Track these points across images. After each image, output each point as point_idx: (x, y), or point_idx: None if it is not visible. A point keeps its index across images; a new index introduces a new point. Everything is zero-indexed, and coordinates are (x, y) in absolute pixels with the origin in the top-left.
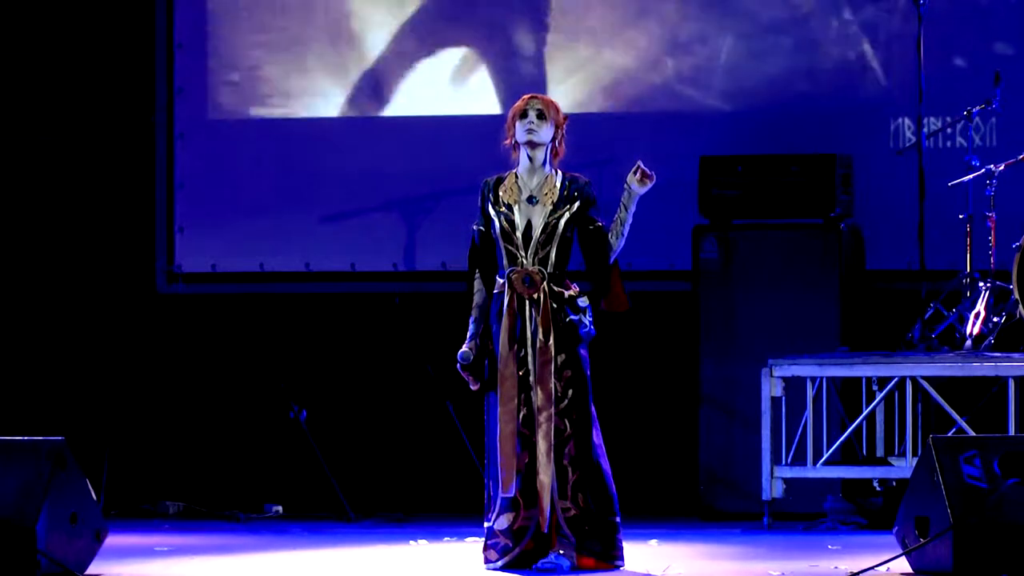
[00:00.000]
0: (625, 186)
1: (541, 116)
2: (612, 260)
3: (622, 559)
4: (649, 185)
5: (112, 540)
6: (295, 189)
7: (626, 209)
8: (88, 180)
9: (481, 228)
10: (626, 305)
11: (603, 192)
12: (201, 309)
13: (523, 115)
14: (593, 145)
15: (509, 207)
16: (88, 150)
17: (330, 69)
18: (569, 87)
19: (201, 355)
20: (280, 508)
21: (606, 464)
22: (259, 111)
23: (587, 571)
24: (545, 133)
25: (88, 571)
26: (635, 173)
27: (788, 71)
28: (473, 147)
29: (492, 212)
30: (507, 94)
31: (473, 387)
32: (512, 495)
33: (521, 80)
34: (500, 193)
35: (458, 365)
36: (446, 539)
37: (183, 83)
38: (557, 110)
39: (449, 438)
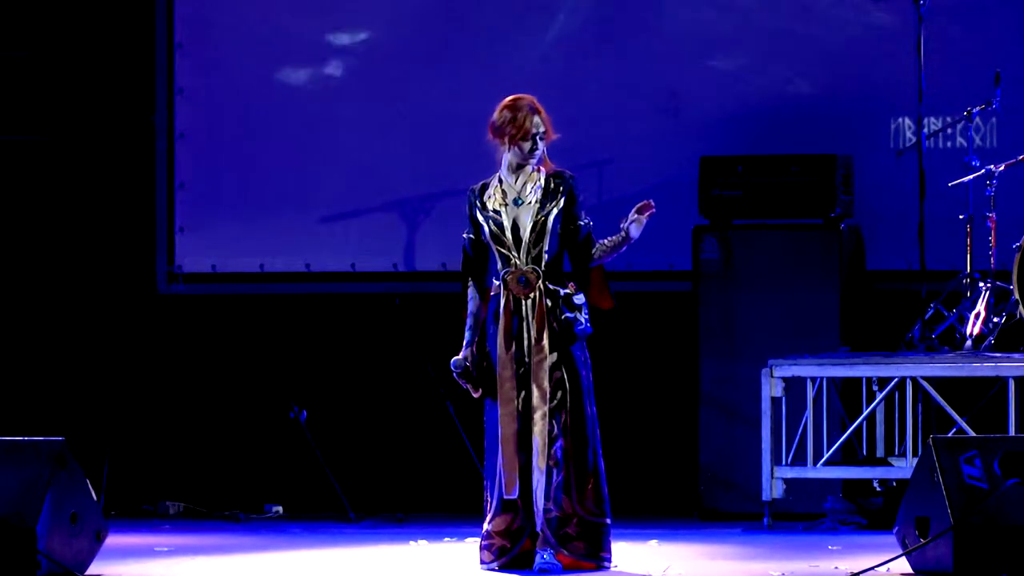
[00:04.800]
0: (623, 228)
1: (542, 137)
2: (595, 264)
3: (609, 561)
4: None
5: (112, 540)
6: (295, 189)
7: (616, 249)
8: (88, 180)
9: (471, 236)
10: (610, 303)
11: (603, 192)
12: (201, 309)
13: (528, 139)
14: (593, 145)
15: (496, 211)
16: (88, 150)
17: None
18: (569, 87)
19: (201, 356)
20: (280, 508)
21: (601, 465)
22: (259, 111)
23: (577, 571)
24: (543, 148)
25: (88, 571)
26: (641, 213)
27: (788, 71)
28: (473, 147)
29: (480, 218)
30: (508, 93)
31: (475, 395)
32: (515, 497)
33: (523, 79)
34: (485, 199)
35: (454, 374)
36: (446, 539)
37: (183, 83)
38: (547, 120)
39: (449, 438)
